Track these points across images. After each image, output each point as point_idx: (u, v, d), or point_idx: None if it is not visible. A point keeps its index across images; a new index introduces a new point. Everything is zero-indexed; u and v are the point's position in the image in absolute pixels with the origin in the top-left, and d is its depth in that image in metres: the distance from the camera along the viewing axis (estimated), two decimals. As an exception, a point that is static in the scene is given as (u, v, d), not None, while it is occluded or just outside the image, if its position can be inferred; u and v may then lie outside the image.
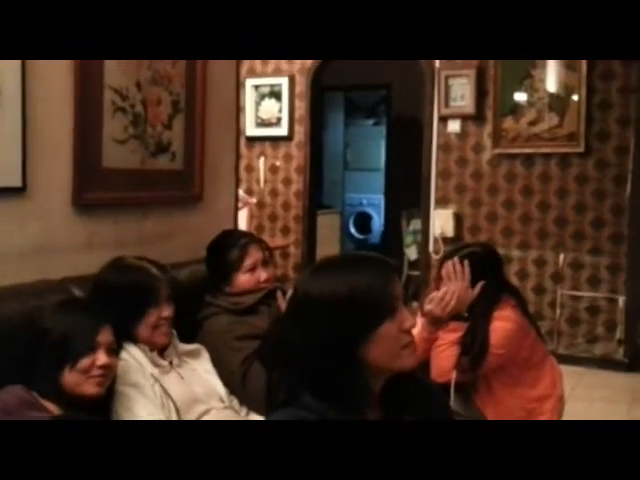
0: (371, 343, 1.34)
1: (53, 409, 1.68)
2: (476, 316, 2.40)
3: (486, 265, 2.50)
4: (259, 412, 2.14)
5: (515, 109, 4.91)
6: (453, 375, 2.36)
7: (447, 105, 5.11)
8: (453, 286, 2.37)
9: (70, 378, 1.70)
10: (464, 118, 5.08)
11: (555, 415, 2.47)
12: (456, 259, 2.42)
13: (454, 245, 2.64)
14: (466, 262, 2.41)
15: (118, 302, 1.92)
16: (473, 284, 2.39)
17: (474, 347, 2.35)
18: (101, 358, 1.73)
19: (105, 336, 1.77)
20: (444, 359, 2.38)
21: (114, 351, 1.81)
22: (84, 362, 1.71)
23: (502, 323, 2.39)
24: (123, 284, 2.00)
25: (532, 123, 4.88)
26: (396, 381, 1.43)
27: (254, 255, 2.46)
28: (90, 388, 1.71)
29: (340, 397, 1.34)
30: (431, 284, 4.40)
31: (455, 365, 2.36)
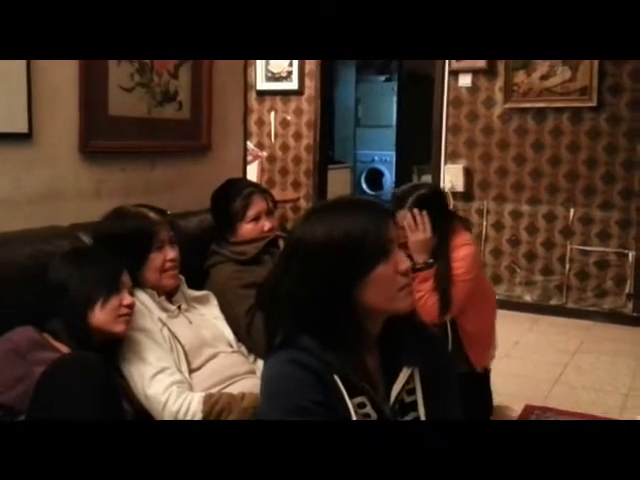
0: (367, 285, 1.35)
1: (64, 350, 1.72)
2: (440, 259, 2.50)
3: (436, 205, 2.59)
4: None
5: (527, 63, 4.84)
6: (447, 317, 2.49)
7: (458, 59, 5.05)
8: (416, 236, 2.48)
9: (100, 317, 1.78)
10: (475, 72, 5.02)
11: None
12: (416, 210, 2.50)
13: (398, 190, 2.72)
14: (424, 212, 2.49)
15: (120, 250, 1.93)
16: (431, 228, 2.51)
17: (446, 292, 2.47)
18: (127, 298, 1.83)
19: (126, 278, 1.87)
20: (431, 308, 2.46)
21: (132, 293, 1.90)
22: (113, 301, 1.79)
23: (465, 250, 2.52)
24: (122, 231, 2.02)
25: (544, 77, 4.81)
26: (395, 325, 1.44)
27: (258, 205, 2.47)
28: (118, 326, 1.81)
29: (337, 339, 1.36)
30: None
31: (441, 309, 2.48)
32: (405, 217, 2.51)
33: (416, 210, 2.50)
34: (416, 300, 2.45)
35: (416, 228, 2.48)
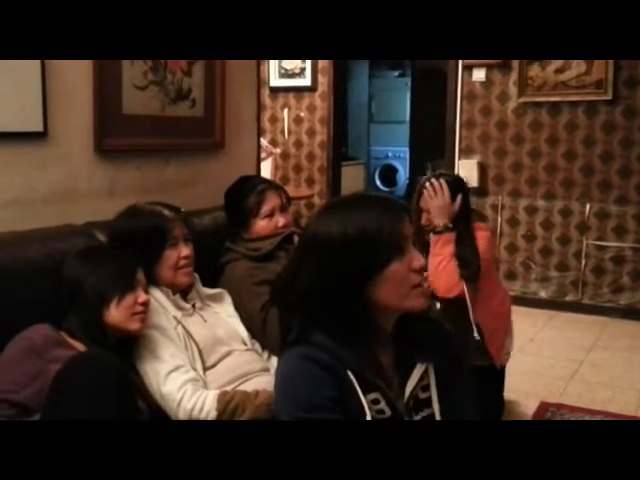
0: (380, 282, 1.35)
1: (80, 347, 1.73)
2: (460, 228, 2.59)
3: (458, 186, 2.69)
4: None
5: (542, 57, 4.82)
6: (463, 286, 2.52)
7: (472, 53, 5.03)
8: (436, 201, 2.58)
9: (116, 315, 1.78)
10: (489, 66, 4.99)
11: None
12: (434, 180, 2.62)
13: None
14: (442, 180, 2.62)
15: (134, 247, 1.93)
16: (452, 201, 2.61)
17: (469, 258, 2.55)
18: (142, 295, 1.83)
19: (141, 276, 1.87)
20: (450, 274, 2.52)
21: (146, 291, 1.90)
22: (128, 299, 1.79)
23: (482, 232, 2.66)
24: (136, 229, 2.02)
25: (559, 71, 4.78)
26: (409, 321, 1.44)
27: (272, 201, 2.46)
28: (133, 324, 1.81)
29: (350, 335, 1.36)
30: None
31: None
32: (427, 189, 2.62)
33: (434, 180, 2.62)
34: (436, 265, 2.53)
35: (435, 195, 2.58)
